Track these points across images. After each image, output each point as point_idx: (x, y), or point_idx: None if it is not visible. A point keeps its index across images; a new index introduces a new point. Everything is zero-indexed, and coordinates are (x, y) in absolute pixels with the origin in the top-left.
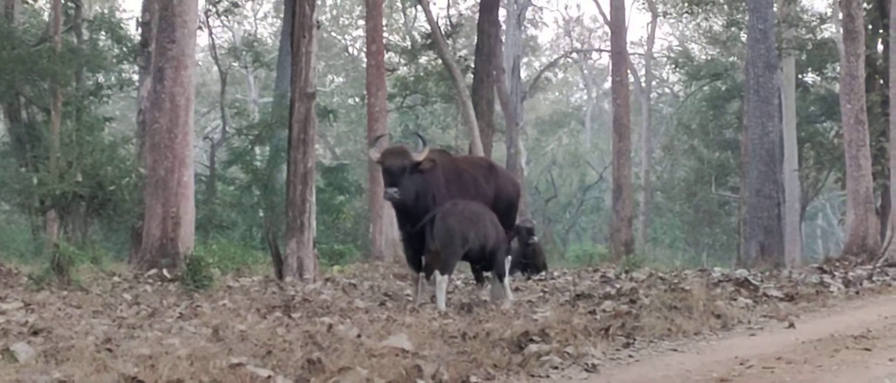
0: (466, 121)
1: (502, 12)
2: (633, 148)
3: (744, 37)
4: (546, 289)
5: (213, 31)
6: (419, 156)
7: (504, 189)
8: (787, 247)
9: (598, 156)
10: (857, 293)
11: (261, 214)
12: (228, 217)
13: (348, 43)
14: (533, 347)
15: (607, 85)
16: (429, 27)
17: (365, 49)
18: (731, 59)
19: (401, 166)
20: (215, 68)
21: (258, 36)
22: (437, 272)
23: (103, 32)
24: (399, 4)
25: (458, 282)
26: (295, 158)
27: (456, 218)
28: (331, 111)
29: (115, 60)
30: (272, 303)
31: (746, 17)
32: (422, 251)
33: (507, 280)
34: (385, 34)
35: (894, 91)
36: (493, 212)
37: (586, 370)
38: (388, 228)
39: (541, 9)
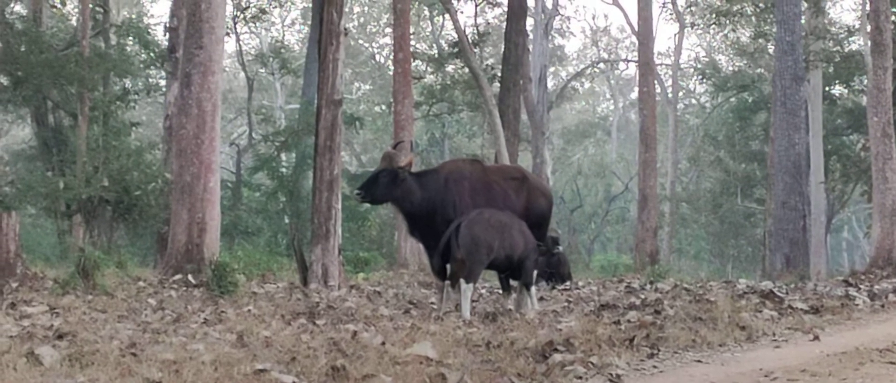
0: (492, 130)
1: (530, 22)
2: (659, 158)
3: (771, 49)
4: (571, 299)
5: (241, 37)
6: (403, 160)
7: (535, 201)
8: (813, 259)
9: (624, 167)
10: (883, 306)
11: (286, 221)
12: (254, 223)
13: (375, 50)
14: (557, 357)
15: (634, 95)
16: (456, 36)
17: (392, 57)
18: (759, 70)
19: (376, 172)
20: (242, 74)
21: (285, 43)
22: (461, 280)
23: (131, 38)
24: (427, 13)
25: (483, 291)
26: (321, 165)
27: (481, 226)
28: (357, 118)
29: (142, 66)
30: (297, 310)
31: (774, 29)
32: (447, 259)
33: (533, 289)
34: (412, 42)
35: None
36: (522, 222)
37: (610, 380)
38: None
39: (568, 19)
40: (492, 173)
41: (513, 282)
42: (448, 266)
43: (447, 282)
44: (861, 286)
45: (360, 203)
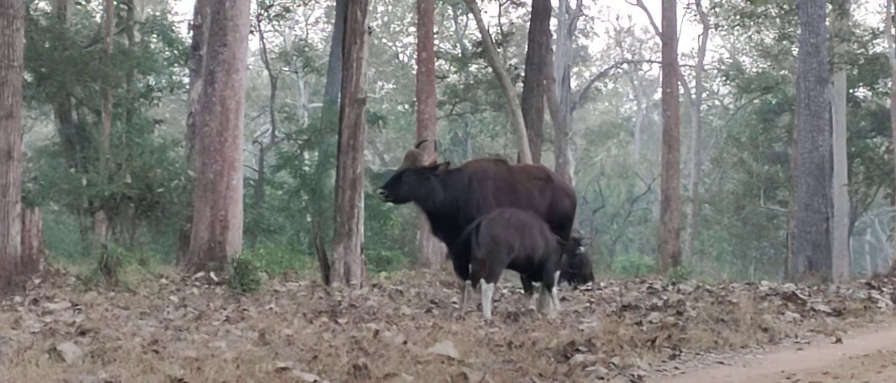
0: (516, 129)
1: (553, 22)
2: (682, 160)
3: (795, 50)
4: (593, 300)
5: (265, 35)
6: (426, 160)
7: (559, 202)
8: (835, 262)
9: (647, 168)
10: None
11: (309, 219)
12: (276, 221)
13: (399, 49)
14: (579, 357)
15: (657, 96)
16: (479, 35)
17: (415, 56)
18: (782, 72)
19: (401, 171)
20: (266, 72)
21: (309, 41)
22: (482, 280)
23: (155, 35)
24: (450, 12)
25: (505, 291)
26: (344, 163)
27: (501, 226)
28: (380, 117)
29: (165, 63)
30: (319, 308)
31: (798, 31)
32: (468, 259)
33: (555, 290)
34: (436, 41)
35: None
36: (544, 222)
37: (632, 381)
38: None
39: (592, 19)
40: (516, 173)
41: (535, 283)
42: (470, 265)
43: (469, 282)
44: (884, 289)
45: (383, 202)
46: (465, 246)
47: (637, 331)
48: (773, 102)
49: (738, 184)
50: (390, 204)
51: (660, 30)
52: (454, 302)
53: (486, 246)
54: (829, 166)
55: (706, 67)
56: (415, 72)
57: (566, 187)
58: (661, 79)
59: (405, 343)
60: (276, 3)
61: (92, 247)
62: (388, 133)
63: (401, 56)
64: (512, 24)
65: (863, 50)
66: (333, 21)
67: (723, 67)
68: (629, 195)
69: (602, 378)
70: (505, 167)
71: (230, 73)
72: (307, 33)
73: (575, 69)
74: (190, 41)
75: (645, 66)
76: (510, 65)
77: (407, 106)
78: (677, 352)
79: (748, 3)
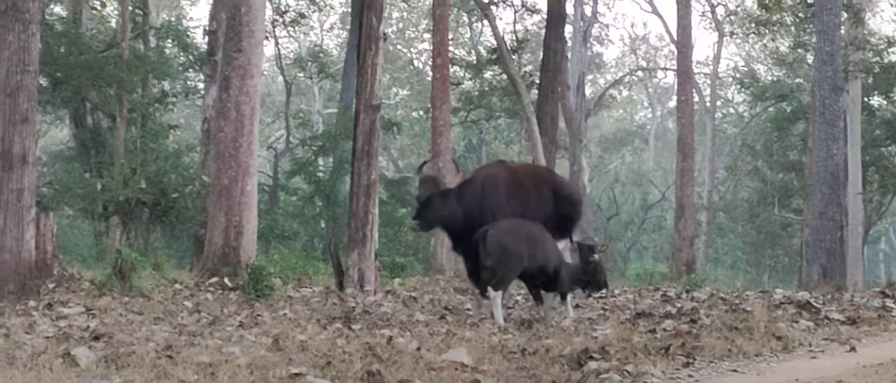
0: (530, 136)
1: (568, 29)
2: (697, 167)
3: (810, 59)
4: (606, 307)
5: (280, 41)
6: (451, 182)
7: (563, 200)
8: (850, 270)
9: (661, 175)
10: None
11: (323, 225)
12: (290, 227)
13: (414, 56)
14: (592, 364)
15: (672, 104)
16: (494, 42)
17: (430, 62)
18: (797, 80)
19: (426, 197)
20: (281, 78)
21: (324, 47)
22: (490, 288)
23: (170, 40)
24: (465, 19)
25: (519, 298)
26: (358, 170)
27: (512, 236)
28: (395, 124)
29: (180, 68)
30: (332, 314)
31: (813, 39)
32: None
33: (568, 297)
34: (451, 48)
35: None
36: (549, 235)
37: None
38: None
39: (607, 26)
40: (520, 174)
41: (545, 292)
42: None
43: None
44: None
45: (419, 231)
46: (478, 253)
47: (651, 339)
48: (788, 110)
49: (752, 192)
50: (404, 210)
51: (675, 37)
52: (468, 309)
53: (494, 254)
54: (844, 175)
55: (721, 75)
56: (429, 78)
57: (568, 184)
58: (675, 86)
59: (419, 349)
60: (291, 9)
61: (106, 252)
62: (403, 139)
63: (416, 62)
64: (527, 30)
65: (878, 58)
66: (348, 27)
67: (738, 75)
68: (643, 203)
69: None
70: (507, 168)
71: (245, 78)
72: (322, 39)
73: (590, 76)
74: (205, 46)
75: (660, 74)
76: (525, 72)
77: (421, 112)
78: (691, 360)
79: (763, 11)
